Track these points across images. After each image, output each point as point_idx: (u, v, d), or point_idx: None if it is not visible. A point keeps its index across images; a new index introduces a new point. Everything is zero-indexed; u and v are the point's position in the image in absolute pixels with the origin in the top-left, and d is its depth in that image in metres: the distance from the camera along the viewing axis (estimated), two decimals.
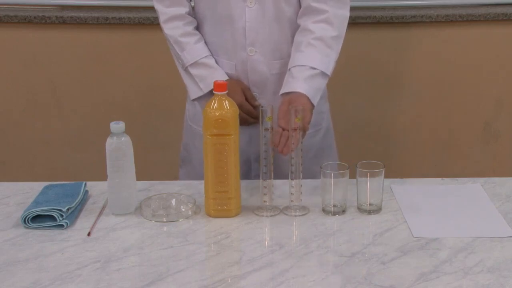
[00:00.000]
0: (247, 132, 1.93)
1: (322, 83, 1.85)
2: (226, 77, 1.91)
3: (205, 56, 1.93)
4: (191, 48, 1.93)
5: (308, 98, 1.78)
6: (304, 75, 1.81)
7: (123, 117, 1.86)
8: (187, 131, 2.09)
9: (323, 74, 1.84)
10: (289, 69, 1.85)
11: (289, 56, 1.89)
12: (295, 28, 1.90)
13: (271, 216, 1.66)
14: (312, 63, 1.82)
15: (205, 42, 1.95)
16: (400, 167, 2.96)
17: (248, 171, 1.98)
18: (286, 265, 1.44)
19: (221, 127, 1.61)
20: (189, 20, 1.94)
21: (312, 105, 1.80)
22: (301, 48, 1.84)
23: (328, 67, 1.85)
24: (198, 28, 1.96)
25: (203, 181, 1.67)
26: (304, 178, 1.68)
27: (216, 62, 1.94)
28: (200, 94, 1.95)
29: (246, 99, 1.91)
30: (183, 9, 1.93)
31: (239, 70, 1.93)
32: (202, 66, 1.93)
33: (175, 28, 1.93)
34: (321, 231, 1.59)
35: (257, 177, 1.73)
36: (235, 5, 1.87)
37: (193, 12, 1.96)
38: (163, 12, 1.94)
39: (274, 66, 1.92)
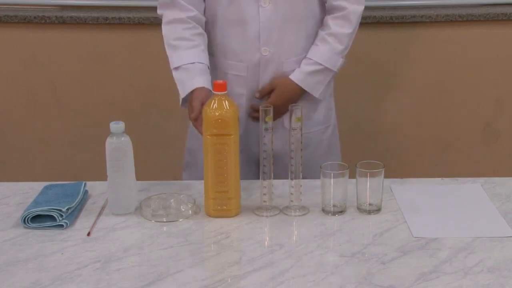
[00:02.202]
0: (255, 133, 1.93)
1: (324, 78, 1.94)
2: (203, 84, 1.83)
3: (192, 63, 1.86)
4: (181, 53, 1.88)
5: (295, 84, 1.90)
6: (307, 69, 1.91)
7: (123, 117, 1.85)
8: (192, 135, 2.07)
9: (327, 69, 1.92)
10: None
11: (302, 54, 1.94)
12: (310, 25, 1.93)
13: (271, 216, 1.66)
14: (319, 59, 1.91)
15: (208, 50, 1.91)
16: (400, 167, 2.96)
17: (257, 172, 1.97)
18: (286, 265, 1.44)
19: (221, 127, 1.61)
20: (190, 25, 1.89)
21: (302, 91, 1.92)
22: (316, 41, 1.93)
23: (335, 64, 1.93)
24: (207, 30, 1.93)
25: (203, 181, 1.67)
26: (313, 176, 1.69)
27: (209, 67, 1.88)
28: (181, 99, 1.87)
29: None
30: (185, 14, 1.89)
31: (250, 71, 1.92)
32: (183, 70, 1.87)
33: (172, 30, 1.90)
34: (321, 231, 1.59)
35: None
36: (248, 7, 1.87)
37: (202, 16, 1.93)
38: (165, 15, 1.92)
39: (287, 65, 1.93)
